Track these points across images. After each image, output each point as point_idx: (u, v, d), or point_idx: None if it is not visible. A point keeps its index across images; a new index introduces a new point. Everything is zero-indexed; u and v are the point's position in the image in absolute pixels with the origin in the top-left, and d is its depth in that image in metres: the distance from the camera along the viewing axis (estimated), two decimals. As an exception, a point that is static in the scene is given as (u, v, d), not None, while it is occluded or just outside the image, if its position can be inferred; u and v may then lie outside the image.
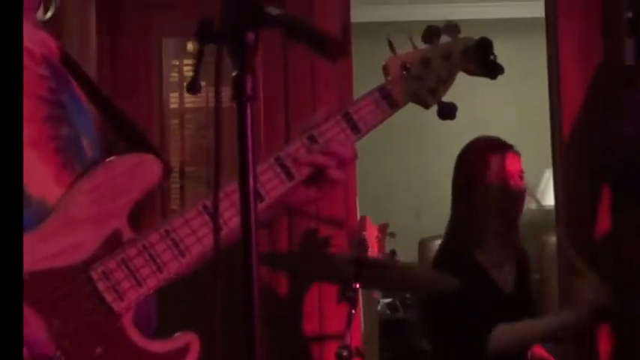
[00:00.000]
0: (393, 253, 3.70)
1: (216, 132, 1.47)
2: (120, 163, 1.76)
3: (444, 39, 2.06)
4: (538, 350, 3.41)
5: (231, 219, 1.77)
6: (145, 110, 4.02)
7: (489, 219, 3.48)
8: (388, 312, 5.41)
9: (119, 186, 1.73)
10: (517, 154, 3.56)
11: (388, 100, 1.99)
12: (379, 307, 5.14)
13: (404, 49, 2.03)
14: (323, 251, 3.22)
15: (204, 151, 4.10)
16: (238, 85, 1.42)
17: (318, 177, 1.90)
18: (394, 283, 3.16)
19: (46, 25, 3.80)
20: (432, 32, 2.04)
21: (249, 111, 1.42)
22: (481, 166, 3.51)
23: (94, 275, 1.69)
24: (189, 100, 4.13)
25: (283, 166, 1.87)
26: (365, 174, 4.09)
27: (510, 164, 3.52)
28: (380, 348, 4.07)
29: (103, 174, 1.73)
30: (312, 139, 1.90)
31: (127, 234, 1.73)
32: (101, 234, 1.71)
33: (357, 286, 2.97)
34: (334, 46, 1.51)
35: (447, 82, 2.07)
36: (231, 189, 1.78)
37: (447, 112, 2.03)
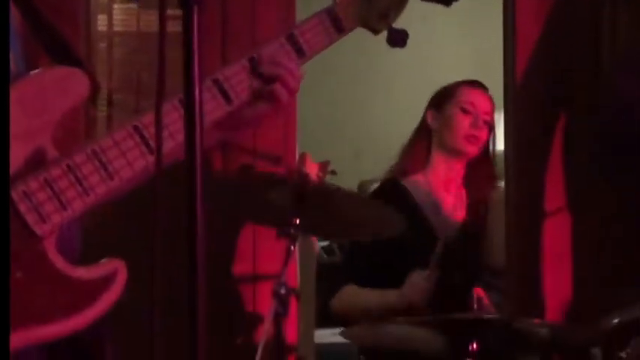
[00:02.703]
0: (334, 191, 3.71)
1: (160, 41, 1.45)
2: (45, 77, 1.72)
3: None
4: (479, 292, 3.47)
5: (165, 142, 1.75)
6: (70, 32, 3.93)
7: (432, 150, 3.59)
8: (325, 256, 5.44)
9: (43, 101, 1.69)
10: (488, 96, 3.67)
11: (335, 24, 1.96)
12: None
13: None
14: (262, 189, 3.21)
15: (133, 78, 4.04)
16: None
17: (262, 96, 1.89)
18: (335, 219, 3.17)
19: None
20: None
21: (195, 17, 1.39)
22: (445, 94, 3.63)
23: (14, 195, 1.65)
24: (119, 22, 4.06)
25: (221, 90, 1.85)
26: (304, 113, 4.07)
27: (478, 99, 3.62)
28: (316, 292, 4.10)
29: (27, 88, 1.69)
30: (253, 61, 1.88)
31: (51, 153, 1.70)
32: (23, 151, 1.67)
33: (297, 221, 2.98)
34: None
35: (398, 6, 2.05)
36: (165, 110, 1.76)
37: (397, 38, 2.01)
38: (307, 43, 1.93)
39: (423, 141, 3.71)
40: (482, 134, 3.63)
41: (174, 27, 1.51)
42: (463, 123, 3.61)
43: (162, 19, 1.44)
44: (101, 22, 4.03)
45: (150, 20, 4.04)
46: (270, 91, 1.88)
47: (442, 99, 3.71)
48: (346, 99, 7.12)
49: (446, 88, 3.77)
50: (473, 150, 3.63)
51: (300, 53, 1.93)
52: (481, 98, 3.70)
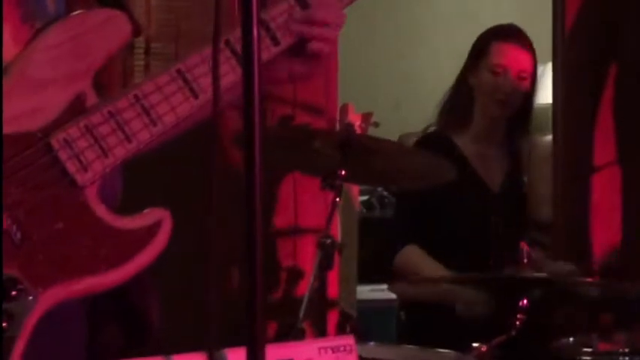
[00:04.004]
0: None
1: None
2: (86, 19, 1.65)
3: None
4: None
5: (209, 86, 1.69)
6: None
7: (474, 105, 3.53)
8: (364, 210, 5.40)
9: (84, 44, 1.62)
10: (525, 49, 3.56)
11: None
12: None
13: None
14: (305, 139, 3.16)
15: (172, 26, 3.98)
16: None
17: (301, 49, 1.81)
18: (380, 171, 3.13)
19: None
20: None
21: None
22: (480, 50, 3.57)
23: (55, 143, 1.60)
24: (156, -33, 4.00)
25: (268, 30, 1.79)
26: (345, 63, 4.01)
27: (510, 57, 3.53)
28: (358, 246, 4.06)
29: (67, 30, 1.62)
30: (301, 0, 1.82)
31: (92, 98, 1.64)
32: (63, 97, 1.61)
33: (343, 173, 2.93)
34: None
35: None
36: (208, 52, 1.70)
37: None
38: None
39: (465, 98, 3.63)
40: (514, 97, 3.54)
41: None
42: (494, 86, 3.54)
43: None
44: (138, -33, 3.97)
45: (189, -36, 3.98)
46: (310, 50, 1.81)
47: (475, 58, 3.62)
48: (387, 50, 7.06)
49: (479, 42, 3.66)
50: (504, 113, 3.57)
51: None
52: (515, 54, 3.57)
